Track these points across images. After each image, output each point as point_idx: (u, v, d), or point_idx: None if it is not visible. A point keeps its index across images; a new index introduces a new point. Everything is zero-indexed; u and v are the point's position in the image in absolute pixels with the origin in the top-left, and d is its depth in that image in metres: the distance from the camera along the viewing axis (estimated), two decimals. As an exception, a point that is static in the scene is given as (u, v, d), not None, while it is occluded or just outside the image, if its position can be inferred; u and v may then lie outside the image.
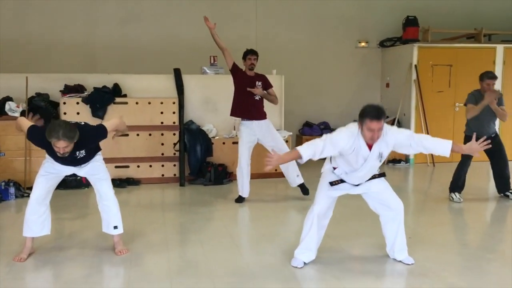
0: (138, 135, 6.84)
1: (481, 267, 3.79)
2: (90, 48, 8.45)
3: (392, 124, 8.52)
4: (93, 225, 4.84)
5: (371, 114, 3.33)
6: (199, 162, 6.89)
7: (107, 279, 3.73)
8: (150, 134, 6.87)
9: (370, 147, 3.48)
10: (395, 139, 3.52)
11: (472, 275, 3.62)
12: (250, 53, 5.75)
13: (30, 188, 6.14)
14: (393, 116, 8.81)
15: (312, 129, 9.16)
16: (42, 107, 6.52)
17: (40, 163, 6.34)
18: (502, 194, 5.96)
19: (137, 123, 6.77)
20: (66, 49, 8.27)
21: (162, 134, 6.93)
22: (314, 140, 3.55)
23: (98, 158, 4.07)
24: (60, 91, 6.78)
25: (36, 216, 3.94)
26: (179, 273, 3.66)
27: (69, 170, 3.99)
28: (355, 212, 5.09)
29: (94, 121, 6.55)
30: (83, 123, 3.89)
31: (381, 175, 3.76)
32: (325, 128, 9.24)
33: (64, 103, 6.64)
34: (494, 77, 5.71)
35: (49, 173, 3.97)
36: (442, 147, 3.55)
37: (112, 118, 3.94)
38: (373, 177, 3.73)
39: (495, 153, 5.75)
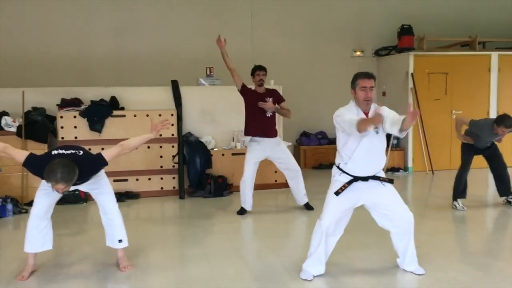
0: (136, 148, 6.74)
1: (493, 276, 3.75)
2: (86, 61, 8.39)
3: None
4: (93, 240, 4.77)
5: (362, 74, 3.60)
6: (198, 174, 6.82)
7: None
8: (148, 147, 6.80)
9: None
10: (387, 111, 3.58)
11: (484, 284, 3.57)
12: (258, 69, 5.66)
13: (28, 204, 6.13)
14: (391, 124, 8.80)
15: (309, 139, 9.15)
16: (38, 122, 6.43)
17: (37, 179, 6.26)
18: (504, 199, 5.94)
19: (135, 135, 6.65)
20: (61, 63, 8.23)
21: (161, 147, 6.86)
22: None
23: (100, 172, 4.01)
24: (57, 105, 6.70)
25: (37, 231, 3.85)
26: (186, 288, 3.58)
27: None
28: (360, 223, 4.98)
29: (92, 135, 6.56)
30: (81, 152, 3.71)
31: (390, 181, 3.71)
32: (322, 137, 9.24)
33: (61, 117, 6.55)
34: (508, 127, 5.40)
35: (49, 188, 3.86)
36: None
37: (113, 147, 3.84)
38: (380, 179, 3.65)
39: (494, 158, 5.79)
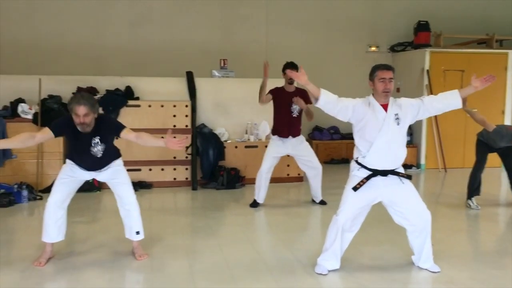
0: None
1: (510, 276, 3.72)
2: (100, 50, 8.42)
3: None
4: (108, 229, 4.81)
5: (381, 66, 3.60)
6: (211, 166, 6.84)
7: (129, 284, 3.69)
8: (162, 137, 6.78)
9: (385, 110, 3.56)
10: (406, 101, 3.62)
11: (500, 284, 3.56)
12: (289, 67, 5.60)
13: (43, 191, 6.18)
14: (404, 121, 8.76)
15: (322, 134, 9.13)
16: (55, 109, 6.47)
17: (52, 166, 6.41)
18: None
19: (149, 126, 6.71)
20: (76, 51, 8.26)
21: (175, 137, 6.85)
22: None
23: (119, 163, 4.03)
24: (73, 93, 6.72)
25: (54, 221, 3.87)
26: (202, 278, 3.60)
27: (89, 175, 3.94)
28: (374, 219, 4.96)
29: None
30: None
31: (408, 177, 3.69)
32: (335, 132, 9.22)
33: (77, 105, 6.58)
34: None
35: (69, 177, 3.91)
36: (452, 100, 3.61)
37: (133, 132, 3.86)
38: (399, 175, 3.62)
39: (508, 156, 5.73)
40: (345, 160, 9.04)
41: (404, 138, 3.67)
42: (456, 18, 9.33)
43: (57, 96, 6.71)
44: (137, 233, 4.02)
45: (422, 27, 8.70)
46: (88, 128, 3.67)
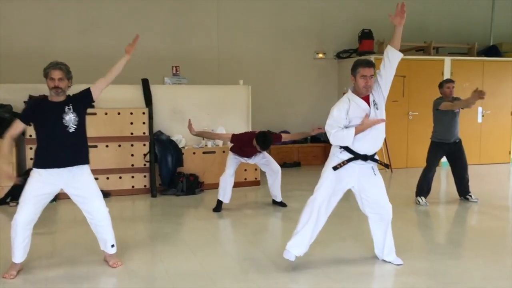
0: (107, 146, 6.72)
1: (465, 264, 4.08)
2: (48, 57, 8.06)
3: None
4: (72, 240, 4.80)
5: (363, 63, 3.75)
6: (170, 173, 6.87)
7: (108, 292, 3.69)
8: (119, 145, 6.78)
9: (366, 102, 3.75)
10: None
11: (458, 272, 3.88)
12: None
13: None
14: (352, 124, 9.17)
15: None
16: (6, 119, 6.27)
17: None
18: (462, 197, 6.37)
19: (106, 133, 6.67)
20: (22, 58, 8.01)
21: (132, 145, 6.85)
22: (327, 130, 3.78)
23: (87, 172, 3.93)
24: (25, 102, 6.54)
25: (20, 241, 3.76)
26: (181, 282, 3.67)
27: (59, 182, 3.83)
28: (335, 217, 5.26)
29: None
30: None
31: (386, 165, 3.99)
32: (286, 137, 9.46)
33: (30, 114, 6.41)
34: (452, 81, 6.17)
35: (38, 194, 3.76)
36: (392, 52, 3.80)
37: (98, 82, 4.13)
38: (377, 161, 3.88)
39: (457, 159, 6.17)
40: (297, 164, 9.32)
41: (384, 124, 3.87)
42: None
43: (7, 105, 6.51)
44: (112, 246, 4.01)
45: (365, 35, 9.15)
46: (62, 94, 3.78)
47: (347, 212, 5.26)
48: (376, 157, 3.93)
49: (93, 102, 4.05)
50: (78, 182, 3.86)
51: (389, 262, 4.03)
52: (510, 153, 9.94)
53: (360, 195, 3.96)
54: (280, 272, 3.87)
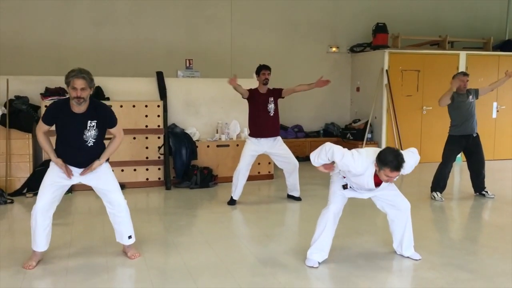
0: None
1: (483, 260, 4.05)
2: (63, 50, 8.25)
3: (365, 126, 8.86)
4: (90, 230, 4.83)
5: (393, 165, 3.46)
6: (184, 166, 6.88)
7: (129, 283, 3.70)
8: (134, 138, 6.80)
9: (376, 182, 3.69)
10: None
11: (476, 268, 3.86)
12: (263, 68, 5.77)
13: (12, 195, 6.02)
14: (365, 119, 9.13)
15: (287, 132, 9.34)
16: (23, 110, 6.32)
17: (21, 168, 6.25)
18: (477, 193, 6.33)
19: (121, 126, 6.65)
20: (37, 51, 8.07)
21: (147, 138, 6.87)
22: (331, 149, 3.68)
23: (106, 165, 3.98)
24: (41, 93, 6.58)
25: (42, 229, 3.80)
26: (200, 274, 3.68)
27: (76, 178, 3.86)
28: (349, 212, 5.25)
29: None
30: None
31: None
32: (299, 131, 9.46)
33: (46, 106, 6.45)
34: (466, 74, 6.11)
35: (55, 183, 3.81)
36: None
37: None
38: None
39: (474, 154, 6.12)
40: (309, 158, 9.28)
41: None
42: (411, 20, 9.82)
43: (24, 97, 6.55)
44: (129, 237, 4.04)
45: (380, 29, 9.09)
46: (84, 104, 3.62)
47: (359, 207, 5.23)
48: None
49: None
50: (97, 175, 3.90)
51: (408, 257, 4.02)
52: (525, 149, 9.86)
53: (376, 198, 3.97)
54: (298, 266, 3.86)
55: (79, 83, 3.54)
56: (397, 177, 3.60)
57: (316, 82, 5.86)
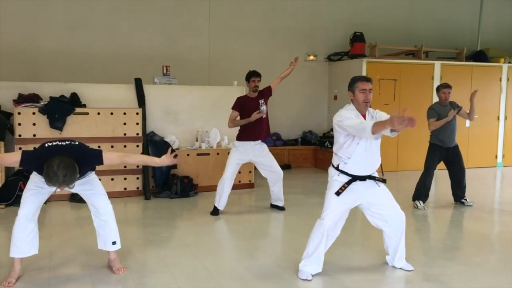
0: (99, 147, 6.51)
1: (474, 269, 4.05)
2: (36, 54, 7.96)
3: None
4: (69, 242, 4.65)
5: (361, 78, 3.83)
6: (164, 175, 6.71)
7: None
8: (112, 146, 6.59)
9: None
10: (377, 111, 3.90)
11: (470, 278, 3.85)
12: (253, 75, 5.69)
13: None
14: (343, 127, 9.15)
15: (265, 140, 9.24)
16: (-6, 118, 6.04)
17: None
18: (457, 202, 6.38)
19: (98, 134, 6.48)
20: (8, 55, 7.74)
21: (125, 146, 6.67)
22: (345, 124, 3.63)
23: (93, 174, 3.86)
24: (14, 100, 6.31)
25: (25, 234, 3.64)
26: (191, 290, 3.55)
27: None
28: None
29: (52, 133, 6.24)
30: (77, 143, 3.62)
31: (383, 181, 3.89)
32: (277, 139, 9.40)
33: (19, 113, 6.18)
34: (449, 87, 6.14)
35: (38, 188, 3.66)
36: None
37: (116, 153, 3.85)
38: (375, 179, 3.81)
39: (454, 163, 6.18)
40: (288, 166, 9.25)
41: (379, 144, 3.86)
42: (387, 30, 9.93)
43: (-5, 103, 6.27)
44: (114, 243, 3.87)
45: (357, 38, 9.15)
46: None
47: (349, 218, 5.18)
48: (375, 174, 3.86)
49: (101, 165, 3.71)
50: (82, 182, 3.75)
51: (400, 268, 3.98)
52: (496, 157, 10.09)
53: (370, 211, 3.88)
54: (291, 278, 3.78)
55: (61, 188, 3.34)
56: (371, 91, 3.75)
57: (290, 66, 6.04)
